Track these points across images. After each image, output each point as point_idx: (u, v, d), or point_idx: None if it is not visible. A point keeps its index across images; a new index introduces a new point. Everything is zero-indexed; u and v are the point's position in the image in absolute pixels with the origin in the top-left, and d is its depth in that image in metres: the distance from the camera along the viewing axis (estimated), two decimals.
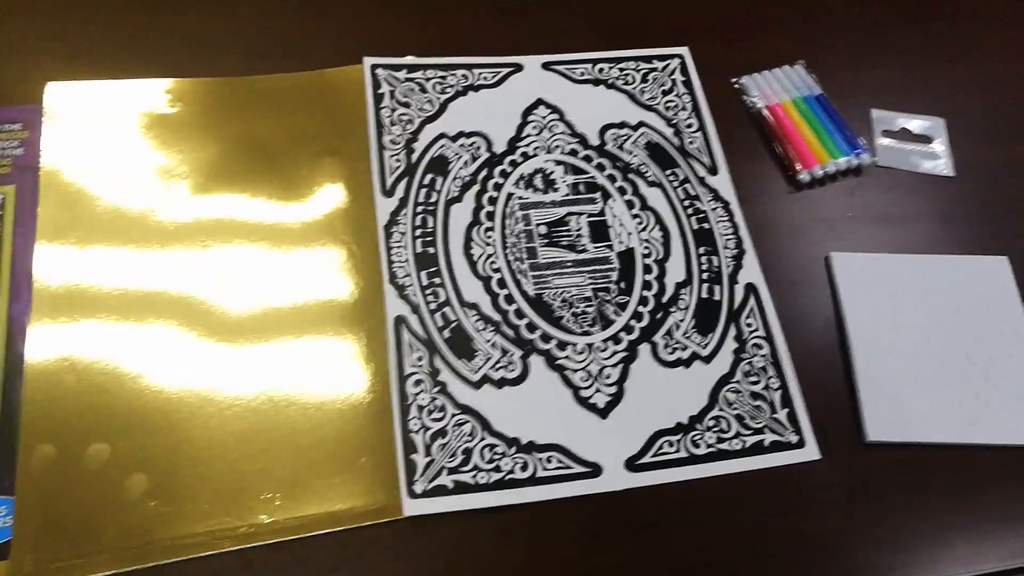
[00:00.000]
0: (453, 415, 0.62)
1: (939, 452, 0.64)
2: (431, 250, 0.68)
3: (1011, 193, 0.76)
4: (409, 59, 0.77)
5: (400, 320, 0.65)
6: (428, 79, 0.76)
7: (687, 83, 0.79)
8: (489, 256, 0.68)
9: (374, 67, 0.76)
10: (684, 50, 0.81)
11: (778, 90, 0.78)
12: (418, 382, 0.63)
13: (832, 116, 0.78)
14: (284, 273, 0.66)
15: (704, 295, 0.68)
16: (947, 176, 0.77)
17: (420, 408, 0.62)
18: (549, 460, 0.61)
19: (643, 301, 0.68)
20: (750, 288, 0.69)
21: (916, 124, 0.79)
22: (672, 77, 0.79)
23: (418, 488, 0.59)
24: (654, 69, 0.79)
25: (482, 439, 0.62)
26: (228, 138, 0.71)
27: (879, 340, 0.67)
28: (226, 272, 0.66)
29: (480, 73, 0.77)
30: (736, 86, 0.79)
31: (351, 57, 0.76)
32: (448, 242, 0.69)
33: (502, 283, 0.67)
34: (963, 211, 0.75)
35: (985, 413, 0.65)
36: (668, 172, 0.74)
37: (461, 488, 0.60)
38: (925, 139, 0.79)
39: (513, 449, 0.62)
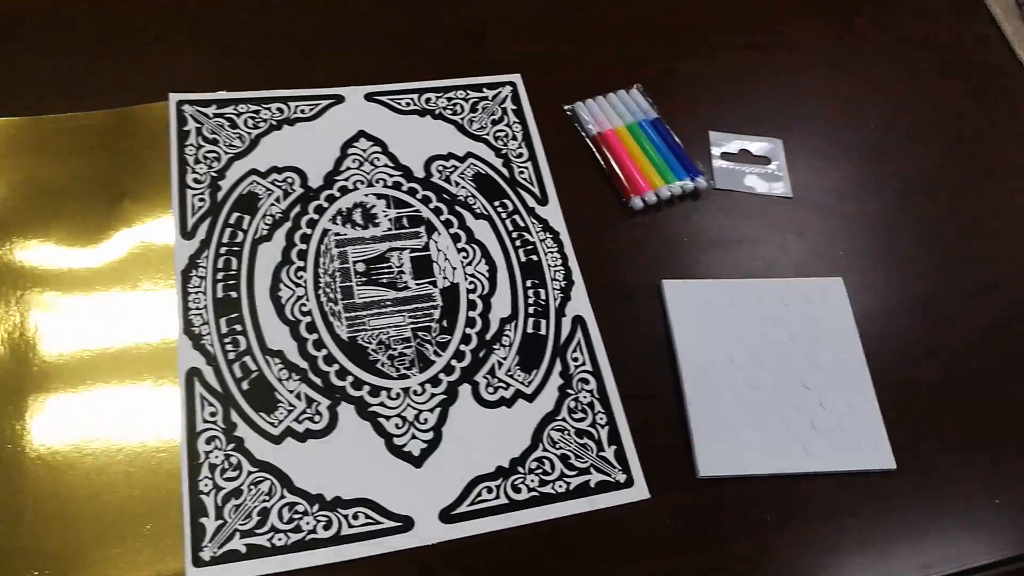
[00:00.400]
0: (249, 473, 0.57)
1: (775, 484, 0.61)
2: (233, 295, 0.63)
3: (847, 213, 0.75)
4: (221, 94, 0.72)
5: (193, 373, 0.60)
6: (239, 114, 0.72)
7: (518, 112, 0.76)
8: (299, 298, 0.64)
9: (180, 103, 0.71)
10: (516, 77, 0.78)
11: (611, 116, 0.76)
12: (211, 439, 0.58)
13: (667, 140, 0.75)
14: (72, 324, 0.61)
15: (530, 330, 0.65)
16: (785, 197, 0.75)
17: (212, 467, 0.57)
18: (356, 516, 0.56)
19: (465, 339, 0.64)
20: (577, 321, 0.65)
21: (755, 145, 0.78)
22: (503, 106, 0.76)
23: (206, 555, 0.54)
24: (484, 98, 0.76)
25: (281, 497, 0.56)
26: (11, 184, 0.66)
27: (711, 370, 0.64)
28: (9, 322, 0.59)
29: (297, 106, 0.73)
30: (569, 113, 0.76)
31: (163, 95, 0.71)
32: (253, 285, 0.64)
33: (312, 327, 0.63)
34: (801, 233, 0.73)
35: (820, 441, 0.62)
36: (496, 204, 0.71)
37: (255, 552, 0.54)
38: (764, 160, 0.77)
39: (316, 507, 0.56)
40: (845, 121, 0.81)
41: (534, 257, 0.68)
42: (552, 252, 0.69)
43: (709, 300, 0.67)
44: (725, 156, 0.77)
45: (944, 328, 0.69)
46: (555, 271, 0.68)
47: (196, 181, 0.68)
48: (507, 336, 0.64)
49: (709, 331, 0.65)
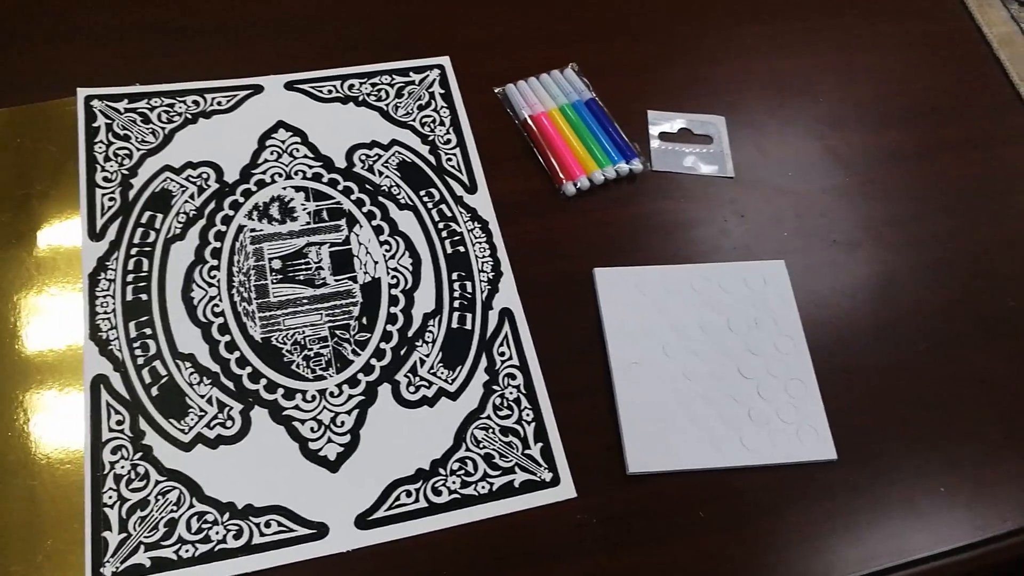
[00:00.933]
0: (157, 483, 0.55)
1: (709, 479, 0.58)
2: (143, 297, 0.60)
3: (791, 191, 0.72)
4: (133, 88, 0.69)
5: (99, 380, 0.57)
6: (152, 108, 0.69)
7: (447, 96, 0.73)
8: (212, 299, 0.61)
9: (89, 99, 0.68)
10: (444, 60, 0.75)
11: (544, 97, 0.73)
12: (117, 448, 0.55)
13: (602, 121, 0.72)
14: None
15: (455, 325, 0.62)
16: (727, 177, 0.72)
17: (118, 478, 0.54)
18: (268, 524, 0.54)
19: (386, 337, 0.61)
20: (505, 314, 0.63)
21: (695, 124, 0.74)
22: (430, 91, 0.73)
23: (107, 571, 0.52)
24: (411, 83, 0.73)
25: (190, 507, 0.54)
26: None
27: (644, 361, 0.61)
28: None
29: (213, 98, 0.70)
30: (499, 96, 0.73)
31: (72, 91, 0.69)
32: (165, 286, 0.61)
33: (224, 329, 0.60)
34: (743, 215, 0.70)
35: (758, 432, 0.59)
36: (422, 193, 0.68)
37: (160, 565, 0.52)
38: (705, 139, 0.74)
39: (226, 516, 0.54)
40: (792, 96, 0.78)
41: (461, 248, 0.66)
42: (480, 242, 0.66)
43: (642, 287, 0.64)
44: (664, 136, 0.74)
45: (890, 312, 0.67)
46: (483, 262, 0.65)
47: (106, 180, 0.65)
48: (430, 332, 0.62)
49: (641, 320, 0.63)
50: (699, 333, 0.63)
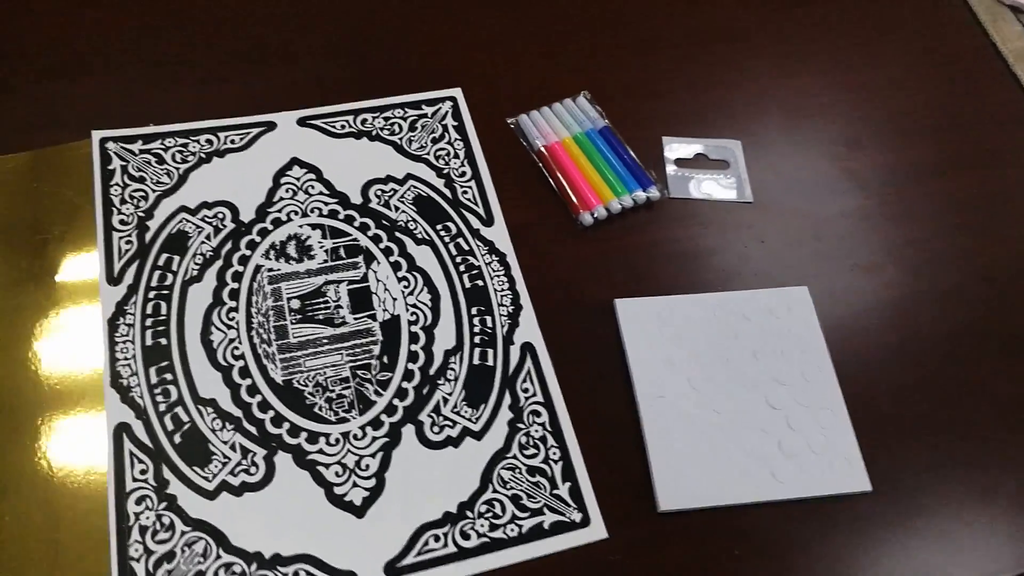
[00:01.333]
0: (183, 533, 0.54)
1: (741, 514, 0.58)
2: (163, 341, 0.60)
3: (809, 214, 0.71)
4: (147, 129, 0.69)
5: (121, 428, 0.56)
6: (167, 148, 0.68)
7: (460, 128, 0.72)
8: (231, 341, 0.60)
9: (104, 141, 0.68)
10: (456, 91, 0.74)
11: (557, 126, 0.72)
12: (142, 499, 0.55)
13: (617, 149, 0.72)
14: None
15: (476, 361, 0.61)
16: (745, 202, 0.71)
17: (143, 530, 0.54)
18: (296, 574, 0.53)
19: (408, 376, 0.60)
20: (527, 348, 0.62)
21: (711, 149, 0.74)
22: (443, 123, 0.73)
23: None
24: (423, 116, 0.73)
25: (217, 558, 0.53)
26: None
27: (669, 394, 0.60)
28: None
29: (227, 136, 0.70)
30: (512, 126, 0.73)
31: (84, 132, 0.68)
32: (184, 330, 0.61)
33: (245, 372, 0.59)
34: (763, 240, 0.69)
35: (789, 465, 0.59)
36: (439, 227, 0.67)
37: None
38: (722, 164, 0.73)
39: (254, 566, 0.53)
40: (807, 117, 0.77)
41: (480, 282, 0.65)
42: (499, 276, 0.65)
43: (664, 318, 0.63)
44: (680, 162, 0.73)
45: (918, 335, 0.66)
46: (502, 296, 0.64)
47: (123, 223, 0.64)
48: (452, 369, 0.61)
49: (665, 352, 0.62)
50: (724, 364, 0.62)
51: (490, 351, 0.62)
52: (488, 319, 0.63)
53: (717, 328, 0.63)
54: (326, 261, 0.65)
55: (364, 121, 0.72)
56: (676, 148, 0.74)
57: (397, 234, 0.67)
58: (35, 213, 0.65)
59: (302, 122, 0.71)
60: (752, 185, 0.72)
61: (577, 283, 0.66)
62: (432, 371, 0.61)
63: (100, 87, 0.71)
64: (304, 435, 0.58)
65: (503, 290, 0.65)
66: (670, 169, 0.72)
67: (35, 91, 0.70)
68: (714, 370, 0.62)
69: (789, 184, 0.73)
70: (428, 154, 0.71)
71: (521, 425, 0.59)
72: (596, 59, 0.78)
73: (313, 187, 0.68)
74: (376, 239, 0.66)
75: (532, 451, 0.58)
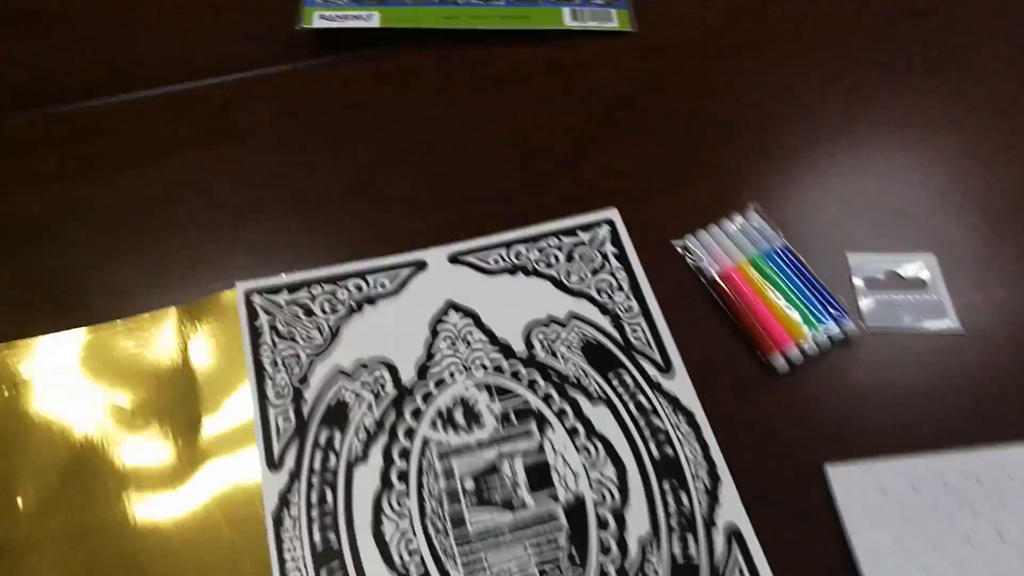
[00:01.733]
0: None
1: None
2: (331, 537, 0.55)
3: None
4: (297, 276, 0.63)
5: None
6: (314, 297, 0.63)
7: (620, 256, 0.66)
8: (404, 533, 0.55)
9: (249, 293, 0.62)
10: (612, 212, 0.67)
11: (730, 249, 0.65)
12: None
13: (802, 272, 0.64)
14: None
15: (676, 550, 0.55)
16: (957, 333, 0.63)
17: None
18: None
19: (602, 574, 0.54)
20: (732, 534, 0.55)
21: (904, 265, 0.66)
22: (601, 250, 0.66)
23: None
24: (580, 243, 0.66)
25: None
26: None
27: None
28: None
29: (376, 279, 0.64)
30: (680, 250, 0.65)
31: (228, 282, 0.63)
32: (353, 522, 0.55)
33: (423, 572, 0.54)
34: (981, 380, 0.61)
35: None
36: (612, 378, 0.60)
37: None
38: (918, 283, 0.65)
39: None
40: (1009, 219, 0.68)
41: (668, 449, 0.58)
42: (688, 440, 0.59)
43: (885, 488, 0.56)
44: (870, 283, 0.65)
45: None
46: (696, 466, 0.58)
47: (277, 395, 0.59)
48: (650, 564, 0.55)
49: (893, 533, 0.55)
50: (966, 547, 0.54)
51: (690, 537, 0.56)
52: (683, 496, 0.57)
53: (949, 500, 0.56)
54: (497, 429, 0.59)
55: (517, 254, 0.66)
56: (864, 266, 0.66)
57: (568, 391, 0.60)
58: (184, 387, 0.60)
59: (453, 259, 0.65)
60: (955, 308, 0.64)
61: (777, 444, 0.59)
62: (628, 566, 0.55)
63: (233, 232, 0.66)
64: None
65: (696, 459, 0.58)
66: (862, 296, 0.64)
67: (165, 250, 0.65)
68: (953, 556, 0.54)
69: (999, 305, 0.64)
70: (588, 287, 0.64)
71: None
72: (760, 169, 0.70)
73: (472, 334, 0.62)
74: (547, 399, 0.60)
75: None
